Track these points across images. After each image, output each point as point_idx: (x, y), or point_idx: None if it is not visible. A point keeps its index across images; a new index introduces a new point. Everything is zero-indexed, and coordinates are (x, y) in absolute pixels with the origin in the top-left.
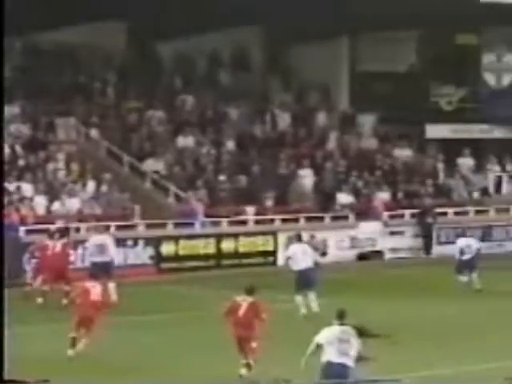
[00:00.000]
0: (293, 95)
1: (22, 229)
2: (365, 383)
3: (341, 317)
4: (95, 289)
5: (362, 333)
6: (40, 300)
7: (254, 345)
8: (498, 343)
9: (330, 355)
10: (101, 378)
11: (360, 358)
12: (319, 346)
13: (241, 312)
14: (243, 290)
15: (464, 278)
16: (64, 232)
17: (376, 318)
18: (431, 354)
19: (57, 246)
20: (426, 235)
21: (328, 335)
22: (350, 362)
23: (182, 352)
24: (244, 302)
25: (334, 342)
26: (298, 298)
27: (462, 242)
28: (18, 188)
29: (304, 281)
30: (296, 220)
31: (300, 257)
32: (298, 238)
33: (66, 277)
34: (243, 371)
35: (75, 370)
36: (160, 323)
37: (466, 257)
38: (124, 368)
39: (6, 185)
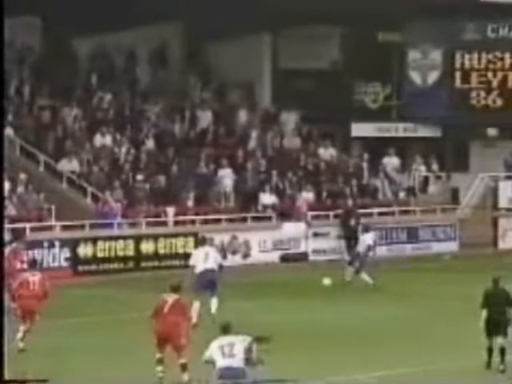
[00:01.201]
0: (213, 92)
1: None
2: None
3: (225, 331)
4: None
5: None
6: None
7: (183, 341)
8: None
9: (217, 362)
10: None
11: (251, 362)
12: (208, 362)
13: (166, 309)
14: (168, 288)
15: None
16: None
17: (296, 320)
18: (350, 359)
19: None
20: (350, 237)
21: (212, 348)
22: (236, 364)
23: (99, 355)
24: (170, 298)
25: (218, 350)
26: (197, 304)
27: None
28: None
29: (203, 283)
30: (217, 221)
31: (201, 259)
32: (202, 242)
33: None
34: (185, 376)
35: None
36: (77, 327)
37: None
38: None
39: None
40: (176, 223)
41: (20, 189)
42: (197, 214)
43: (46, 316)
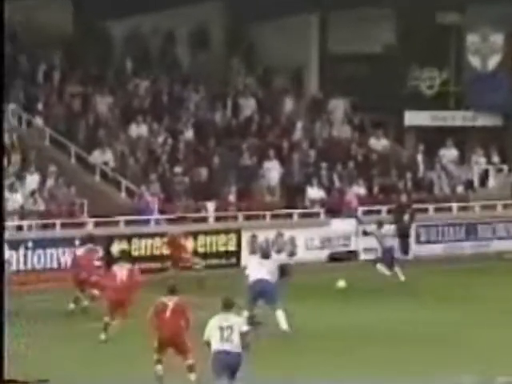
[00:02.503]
0: (257, 79)
1: None
2: None
3: (226, 306)
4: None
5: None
6: None
7: (188, 344)
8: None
9: (214, 344)
10: None
11: (246, 347)
12: (208, 343)
13: (168, 313)
14: (166, 290)
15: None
16: None
17: (342, 323)
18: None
19: None
20: (403, 234)
21: (211, 326)
22: (234, 349)
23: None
24: (170, 302)
25: (218, 332)
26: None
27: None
28: None
29: (256, 293)
30: (261, 217)
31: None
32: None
33: None
34: (192, 377)
35: None
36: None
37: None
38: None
39: None
40: (217, 219)
41: (50, 182)
42: (239, 210)
43: (76, 319)
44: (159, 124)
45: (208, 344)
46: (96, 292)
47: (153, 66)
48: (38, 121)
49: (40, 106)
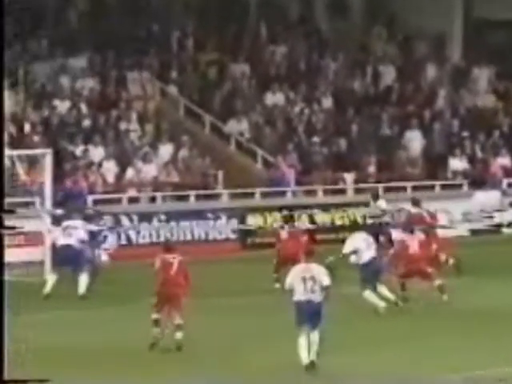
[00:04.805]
0: (397, 46)
1: (90, 198)
2: None
3: (308, 255)
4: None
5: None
6: None
7: (183, 303)
8: None
9: (297, 294)
10: (174, 367)
11: (327, 294)
12: (290, 290)
13: (173, 271)
14: (164, 247)
15: None
16: None
17: (488, 302)
18: None
19: None
20: None
21: (293, 276)
22: (316, 298)
23: (266, 339)
24: (174, 259)
25: (300, 281)
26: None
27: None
28: (85, 152)
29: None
30: (402, 189)
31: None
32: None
33: None
34: (178, 335)
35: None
36: (243, 307)
37: None
38: (201, 356)
39: (72, 148)
40: (356, 191)
41: (183, 152)
42: (379, 182)
43: (206, 295)
44: (296, 92)
45: (290, 292)
46: None
47: (289, 33)
48: (172, 89)
49: (174, 75)
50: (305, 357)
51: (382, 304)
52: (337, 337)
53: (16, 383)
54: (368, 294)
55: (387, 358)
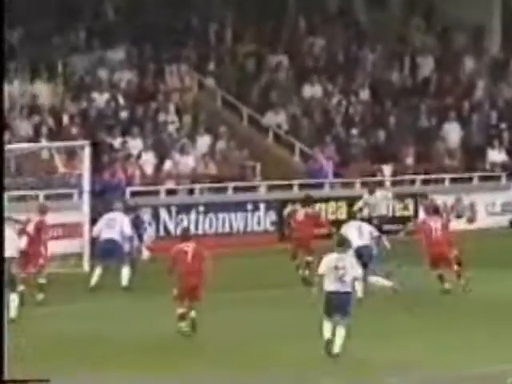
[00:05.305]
0: (436, 37)
1: (128, 190)
2: None
3: (340, 244)
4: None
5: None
6: None
7: (202, 292)
8: None
9: (328, 284)
10: (206, 363)
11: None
12: (321, 276)
13: (189, 259)
14: (180, 236)
15: None
16: None
17: None
18: None
19: None
20: None
21: (326, 264)
22: (346, 289)
23: (304, 331)
24: (188, 248)
25: (332, 270)
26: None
27: None
28: (124, 144)
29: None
30: (440, 181)
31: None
32: None
33: None
34: (183, 325)
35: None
36: (282, 299)
37: None
38: (234, 352)
39: (110, 140)
40: (394, 183)
41: (221, 144)
42: (417, 173)
43: (245, 287)
44: (334, 84)
45: (321, 278)
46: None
47: (328, 24)
48: (210, 82)
49: (212, 67)
50: (330, 346)
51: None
52: (363, 327)
53: (16, 383)
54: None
55: (412, 348)
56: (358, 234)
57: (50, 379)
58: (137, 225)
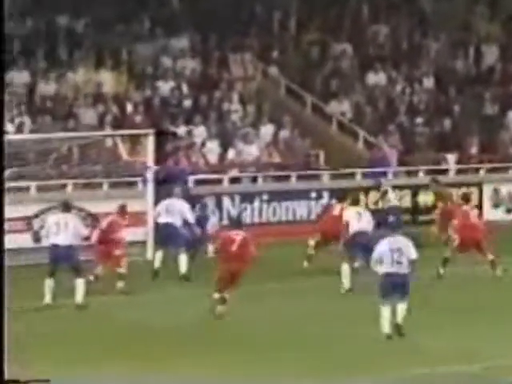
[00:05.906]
0: (501, 25)
1: (192, 178)
2: None
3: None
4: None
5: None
6: None
7: (240, 280)
8: None
9: (384, 266)
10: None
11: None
12: (377, 260)
13: (235, 246)
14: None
15: None
16: None
17: None
18: None
19: None
20: None
21: (381, 248)
22: (403, 270)
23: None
24: (237, 236)
25: (387, 253)
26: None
27: None
28: (188, 132)
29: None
30: (505, 169)
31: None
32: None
33: None
34: (220, 308)
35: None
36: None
37: None
38: (268, 343)
39: (173, 128)
40: (458, 172)
41: (284, 133)
42: (481, 162)
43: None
44: (398, 72)
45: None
46: None
47: (392, 13)
48: (274, 70)
49: (275, 55)
50: (387, 328)
51: (345, 285)
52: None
53: (16, 383)
54: (344, 268)
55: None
56: (357, 220)
57: (49, 379)
58: (202, 215)
